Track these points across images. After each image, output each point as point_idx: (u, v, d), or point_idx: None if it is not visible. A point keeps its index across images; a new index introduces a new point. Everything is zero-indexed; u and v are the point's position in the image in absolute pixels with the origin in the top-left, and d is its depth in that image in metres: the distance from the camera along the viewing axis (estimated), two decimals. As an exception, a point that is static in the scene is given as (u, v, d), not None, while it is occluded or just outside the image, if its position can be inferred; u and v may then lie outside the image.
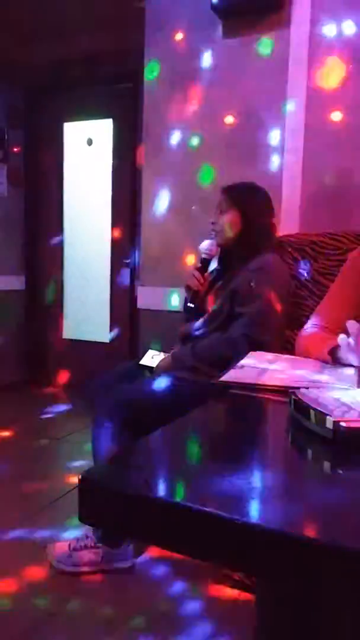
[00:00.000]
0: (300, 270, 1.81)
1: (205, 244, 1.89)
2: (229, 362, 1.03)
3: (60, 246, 3.83)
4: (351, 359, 0.98)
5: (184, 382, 1.62)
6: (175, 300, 2.39)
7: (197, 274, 1.87)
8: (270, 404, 0.84)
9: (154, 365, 1.79)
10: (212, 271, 1.93)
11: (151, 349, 1.88)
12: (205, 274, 1.88)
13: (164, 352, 1.83)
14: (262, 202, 1.82)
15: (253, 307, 1.63)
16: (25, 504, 2.06)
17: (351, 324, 0.95)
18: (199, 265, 1.88)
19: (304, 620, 0.63)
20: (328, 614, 0.61)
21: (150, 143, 2.44)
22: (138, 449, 0.64)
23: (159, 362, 1.77)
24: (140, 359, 1.86)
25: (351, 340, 0.95)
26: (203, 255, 1.89)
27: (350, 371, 0.97)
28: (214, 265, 1.94)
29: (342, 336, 0.97)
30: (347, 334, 0.97)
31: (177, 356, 1.73)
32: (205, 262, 1.89)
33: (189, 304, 1.88)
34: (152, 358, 1.82)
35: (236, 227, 1.78)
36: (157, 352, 1.84)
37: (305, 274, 1.82)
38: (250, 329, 1.61)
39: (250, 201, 1.80)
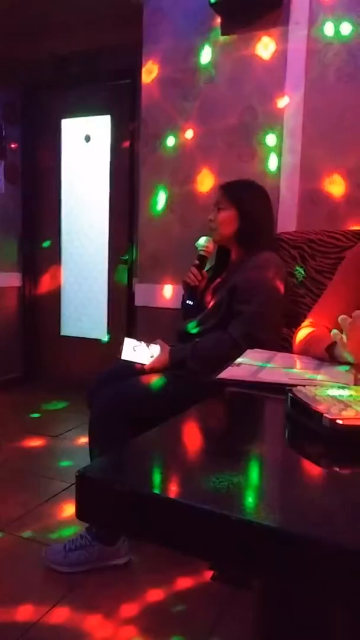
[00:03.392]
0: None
1: (203, 241, 1.89)
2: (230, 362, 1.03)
3: (57, 243, 3.83)
4: (347, 356, 0.98)
5: (182, 379, 1.62)
6: (172, 298, 2.39)
7: (194, 271, 1.86)
8: (267, 401, 0.85)
9: (139, 359, 1.71)
10: (210, 268, 1.92)
11: (128, 337, 1.74)
12: (203, 271, 1.88)
13: (145, 343, 1.74)
14: (259, 200, 1.81)
15: (252, 305, 1.63)
16: (22, 502, 2.06)
17: (343, 319, 0.95)
18: (197, 262, 1.88)
19: (302, 618, 0.63)
20: (325, 612, 0.61)
21: (148, 139, 2.44)
22: (135, 446, 0.64)
23: (157, 359, 1.73)
24: (121, 353, 1.73)
25: (344, 336, 0.95)
26: (200, 253, 1.89)
27: (347, 368, 0.97)
28: (211, 262, 1.93)
29: (335, 331, 0.97)
30: (342, 330, 0.97)
31: (176, 355, 1.70)
32: (202, 259, 1.89)
33: (187, 301, 1.87)
34: (134, 350, 1.72)
35: (233, 225, 1.78)
36: (137, 343, 1.73)
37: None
38: (249, 328, 1.61)
39: (247, 198, 1.79)
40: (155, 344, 1.72)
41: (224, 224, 1.79)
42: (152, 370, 1.71)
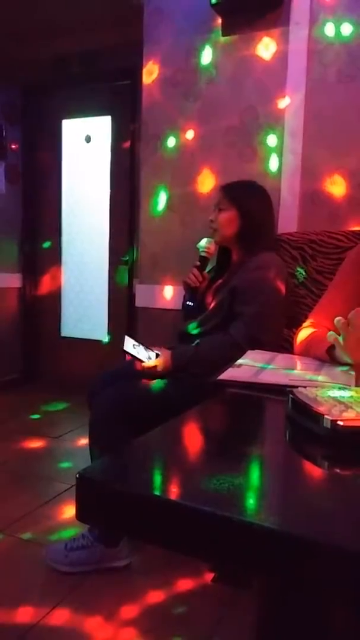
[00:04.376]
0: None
1: (204, 242, 1.89)
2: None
3: (58, 244, 3.83)
4: (346, 357, 0.98)
5: (182, 381, 1.62)
6: (173, 299, 2.38)
7: (195, 272, 1.86)
8: (267, 402, 0.85)
9: (138, 356, 1.69)
10: (211, 270, 1.92)
11: (127, 336, 1.74)
12: (204, 273, 1.88)
13: (143, 345, 1.72)
14: (260, 201, 1.81)
15: (253, 306, 1.63)
16: (22, 504, 2.06)
17: (338, 320, 0.94)
18: (198, 263, 1.88)
19: (302, 618, 0.63)
20: (325, 612, 0.61)
21: (148, 140, 2.44)
22: (136, 447, 0.64)
23: (158, 362, 1.70)
24: (123, 344, 1.71)
25: (340, 338, 0.95)
26: (201, 254, 1.88)
27: (348, 369, 0.97)
28: (212, 263, 1.93)
29: (330, 332, 0.97)
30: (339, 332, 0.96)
31: (178, 359, 1.67)
32: (203, 261, 1.88)
33: (187, 302, 1.87)
34: (133, 347, 1.70)
35: (234, 225, 1.77)
36: (135, 343, 1.71)
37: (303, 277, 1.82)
38: (250, 329, 1.60)
39: (248, 199, 1.79)
40: (153, 350, 1.72)
41: (224, 224, 1.79)
42: (154, 373, 1.69)
